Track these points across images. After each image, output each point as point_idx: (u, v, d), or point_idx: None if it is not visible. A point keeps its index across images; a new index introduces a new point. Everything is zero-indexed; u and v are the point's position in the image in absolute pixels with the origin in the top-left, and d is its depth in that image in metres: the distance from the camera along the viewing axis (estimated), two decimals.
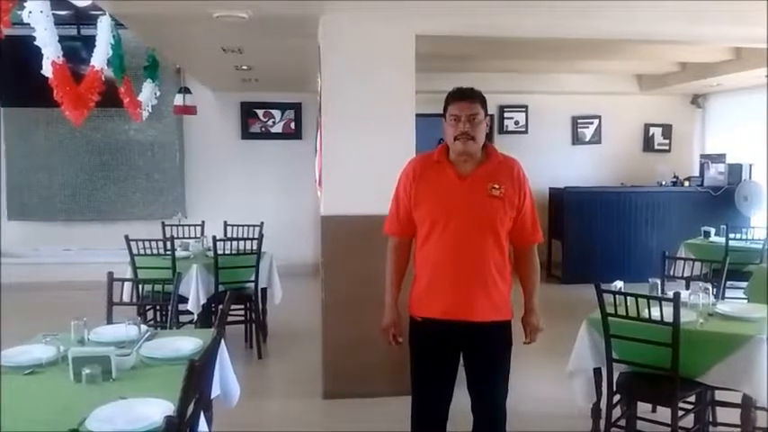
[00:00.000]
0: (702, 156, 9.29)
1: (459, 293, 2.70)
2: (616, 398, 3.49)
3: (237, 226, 6.49)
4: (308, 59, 5.51)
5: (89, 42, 4.74)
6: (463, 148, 2.68)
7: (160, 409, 2.14)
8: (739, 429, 3.34)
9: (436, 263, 2.73)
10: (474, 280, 2.69)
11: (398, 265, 2.90)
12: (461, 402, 2.84)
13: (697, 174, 9.12)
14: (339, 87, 4.44)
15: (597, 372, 3.52)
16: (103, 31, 4.60)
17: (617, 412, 3.52)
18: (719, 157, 8.85)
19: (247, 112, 9.19)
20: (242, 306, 5.64)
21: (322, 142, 4.55)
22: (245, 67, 6.89)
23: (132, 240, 5.37)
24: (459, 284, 2.69)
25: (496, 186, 2.69)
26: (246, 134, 9.19)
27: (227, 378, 3.01)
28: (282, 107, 9.22)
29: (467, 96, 2.72)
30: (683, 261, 4.93)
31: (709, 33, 5.15)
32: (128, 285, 4.72)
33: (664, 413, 3.41)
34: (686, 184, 8.94)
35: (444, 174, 2.73)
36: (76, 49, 5.54)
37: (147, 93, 6.51)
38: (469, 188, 2.69)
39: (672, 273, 4.70)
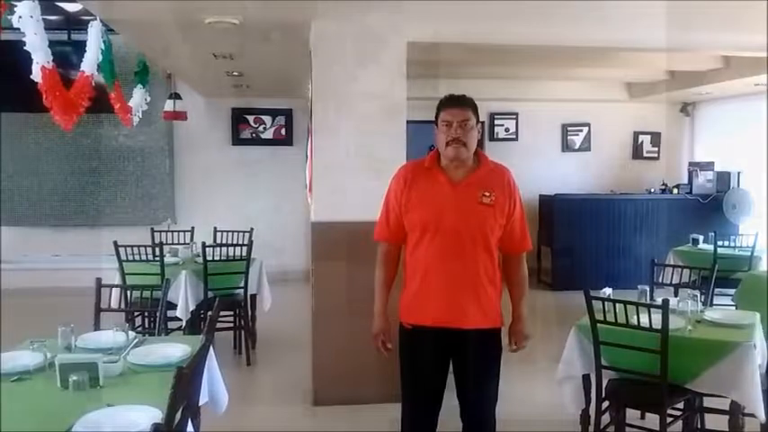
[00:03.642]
0: (691, 164, 9.35)
1: (449, 300, 2.70)
2: (605, 404, 3.50)
3: (227, 232, 6.48)
4: (299, 65, 5.51)
5: (79, 47, 4.72)
6: (455, 153, 2.69)
7: (148, 416, 2.13)
8: None
9: (426, 269, 2.73)
10: (464, 287, 2.69)
11: (387, 271, 2.90)
12: (450, 408, 2.83)
13: (686, 181, 9.18)
14: (330, 93, 4.45)
15: (586, 378, 3.53)
16: (94, 37, 4.59)
17: (606, 419, 3.53)
18: (708, 165, 8.91)
19: (238, 117, 9.18)
20: (231, 312, 5.62)
21: (312, 148, 4.55)
22: (235, 73, 6.89)
23: (121, 246, 5.34)
24: (448, 291, 2.70)
25: (487, 194, 2.70)
26: (237, 140, 9.18)
27: (215, 385, 3.00)
28: (273, 113, 9.22)
29: (459, 103, 2.73)
30: (671, 268, 4.95)
31: (702, 40, 5.19)
32: (116, 291, 4.69)
33: (652, 420, 3.43)
34: (675, 191, 9.00)
35: (436, 180, 2.74)
36: (67, 54, 5.52)
37: (138, 98, 6.49)
38: (460, 195, 2.70)
39: (660, 280, 4.71)
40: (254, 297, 5.74)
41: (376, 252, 2.92)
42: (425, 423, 2.83)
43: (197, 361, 2.53)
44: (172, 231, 6.84)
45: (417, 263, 2.76)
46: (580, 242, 8.51)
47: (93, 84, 4.50)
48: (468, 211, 2.69)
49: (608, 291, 3.56)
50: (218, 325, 4.23)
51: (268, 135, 9.26)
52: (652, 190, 9.10)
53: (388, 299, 2.89)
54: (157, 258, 5.28)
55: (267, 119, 9.23)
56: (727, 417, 3.33)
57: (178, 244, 6.34)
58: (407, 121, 4.54)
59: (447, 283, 2.69)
